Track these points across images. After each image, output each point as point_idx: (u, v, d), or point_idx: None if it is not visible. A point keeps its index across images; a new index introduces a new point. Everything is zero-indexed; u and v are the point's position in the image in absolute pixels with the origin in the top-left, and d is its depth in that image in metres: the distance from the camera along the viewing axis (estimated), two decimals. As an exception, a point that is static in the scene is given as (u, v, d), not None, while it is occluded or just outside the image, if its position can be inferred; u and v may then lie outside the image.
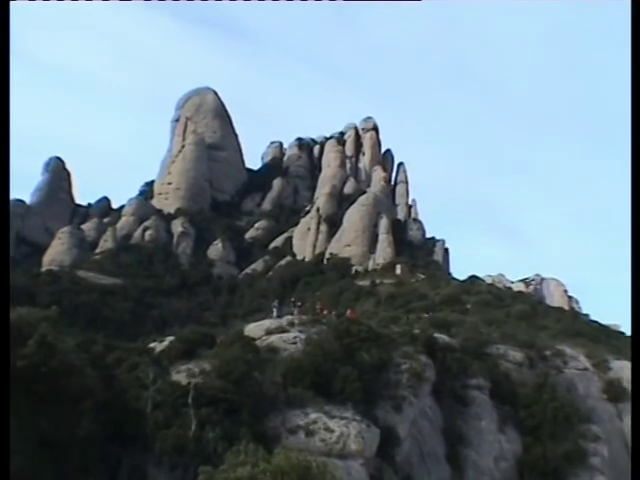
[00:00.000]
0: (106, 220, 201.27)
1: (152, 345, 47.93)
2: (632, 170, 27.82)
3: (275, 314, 56.03)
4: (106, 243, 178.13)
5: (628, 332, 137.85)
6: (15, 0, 35.34)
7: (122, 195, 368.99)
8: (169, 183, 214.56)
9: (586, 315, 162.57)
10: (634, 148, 27.79)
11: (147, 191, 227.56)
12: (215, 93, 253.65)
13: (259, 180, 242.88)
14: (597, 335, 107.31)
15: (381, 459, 34.68)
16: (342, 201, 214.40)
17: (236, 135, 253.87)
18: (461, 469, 43.01)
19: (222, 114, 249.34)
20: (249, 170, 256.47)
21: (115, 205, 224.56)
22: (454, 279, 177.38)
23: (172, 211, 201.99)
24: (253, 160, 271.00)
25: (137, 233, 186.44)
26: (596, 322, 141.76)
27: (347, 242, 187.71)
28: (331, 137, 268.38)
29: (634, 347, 27.48)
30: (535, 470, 46.44)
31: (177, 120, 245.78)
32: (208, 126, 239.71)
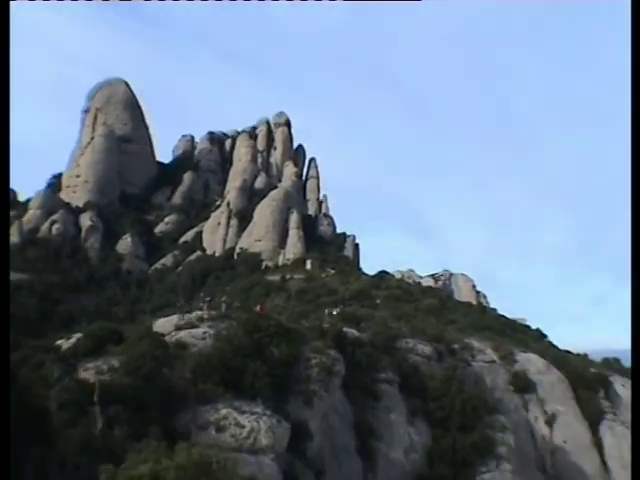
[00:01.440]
0: (12, 213, 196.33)
1: (59, 342, 47.01)
2: (632, 169, 28.32)
3: (205, 308, 55.17)
4: (12, 237, 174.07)
5: (533, 326, 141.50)
6: (15, 0, 35.08)
7: (29, 188, 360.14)
8: (77, 176, 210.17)
9: (493, 309, 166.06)
10: (634, 148, 28.27)
11: (55, 184, 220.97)
12: (126, 84, 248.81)
13: (169, 174, 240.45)
14: (504, 329, 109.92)
15: (292, 454, 34.69)
16: (253, 196, 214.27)
17: (147, 127, 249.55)
18: (372, 462, 43.34)
19: (133, 106, 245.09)
20: (159, 163, 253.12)
21: (22, 198, 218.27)
22: (364, 274, 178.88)
23: (80, 204, 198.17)
24: (164, 153, 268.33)
25: (44, 227, 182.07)
26: (503, 316, 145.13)
27: (257, 237, 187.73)
28: (243, 131, 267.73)
29: (634, 349, 27.95)
30: (444, 460, 47.12)
31: (87, 111, 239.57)
32: (118, 118, 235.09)
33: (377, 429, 46.13)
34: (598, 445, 64.13)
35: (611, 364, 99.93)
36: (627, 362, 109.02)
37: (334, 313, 72.69)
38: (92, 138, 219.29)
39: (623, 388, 77.32)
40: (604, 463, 63.19)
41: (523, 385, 64.95)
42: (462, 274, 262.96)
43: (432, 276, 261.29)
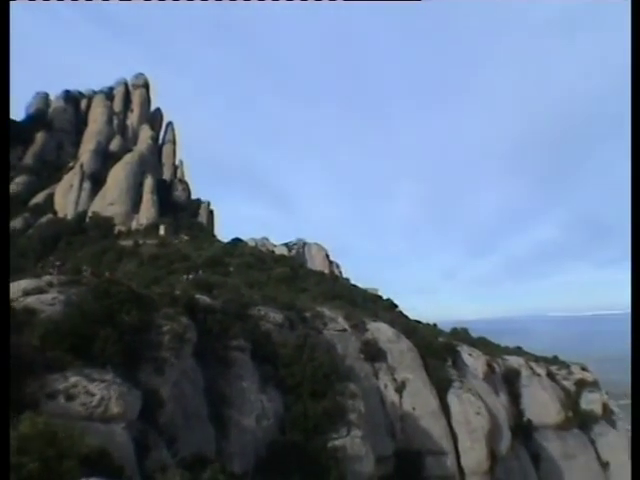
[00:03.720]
0: None
1: None
2: (632, 168, 28.77)
3: (55, 273, 54.22)
4: None
5: (385, 296, 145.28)
6: (15, 0, 34.14)
7: None
8: None
9: (346, 279, 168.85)
10: (634, 148, 28.72)
11: None
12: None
13: (21, 132, 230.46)
14: (355, 298, 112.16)
15: (144, 422, 34.41)
16: (107, 158, 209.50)
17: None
18: (224, 429, 43.48)
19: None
20: (11, 121, 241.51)
21: None
22: (218, 241, 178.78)
23: None
24: (17, 111, 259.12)
25: None
26: (355, 286, 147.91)
27: (111, 201, 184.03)
28: (100, 92, 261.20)
29: (634, 342, 28.56)
30: (296, 427, 47.79)
31: None
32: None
33: (229, 396, 46.31)
34: (445, 411, 66.57)
35: (459, 334, 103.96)
36: (474, 332, 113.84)
37: (190, 278, 72.53)
38: None
39: (470, 357, 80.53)
40: (451, 428, 65.66)
41: (373, 353, 66.54)
42: (315, 243, 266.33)
43: (286, 245, 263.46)
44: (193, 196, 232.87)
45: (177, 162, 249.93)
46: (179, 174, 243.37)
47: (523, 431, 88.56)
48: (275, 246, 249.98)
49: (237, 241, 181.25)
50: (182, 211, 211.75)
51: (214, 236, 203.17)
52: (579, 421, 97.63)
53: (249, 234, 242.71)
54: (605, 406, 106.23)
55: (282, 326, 60.73)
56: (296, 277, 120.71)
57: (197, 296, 54.48)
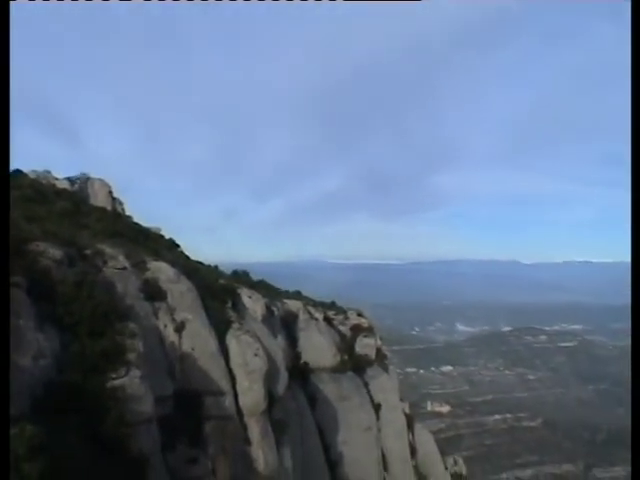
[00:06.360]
0: None
1: None
2: (632, 169, 28.67)
3: None
4: None
5: (167, 236, 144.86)
6: (15, 0, 31.27)
7: None
8: None
9: (129, 217, 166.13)
10: (634, 149, 28.60)
11: None
12: None
13: None
14: (137, 236, 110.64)
15: None
16: None
17: None
18: (-3, 369, 42.20)
19: None
20: None
21: None
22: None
23: None
24: None
25: None
26: (137, 224, 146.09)
27: None
28: None
29: (634, 341, 28.74)
30: (74, 366, 46.82)
31: None
32: None
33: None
34: (224, 352, 67.40)
35: (239, 277, 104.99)
36: (255, 275, 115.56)
37: None
38: None
39: (249, 299, 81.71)
40: (230, 369, 66.65)
41: (154, 293, 66.02)
42: (99, 179, 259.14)
43: (68, 179, 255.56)
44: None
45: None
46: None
47: (300, 373, 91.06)
48: (57, 179, 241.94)
49: (17, 172, 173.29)
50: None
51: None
52: (354, 364, 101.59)
53: (31, 166, 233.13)
54: (378, 351, 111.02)
55: (61, 263, 58.93)
56: (77, 212, 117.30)
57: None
